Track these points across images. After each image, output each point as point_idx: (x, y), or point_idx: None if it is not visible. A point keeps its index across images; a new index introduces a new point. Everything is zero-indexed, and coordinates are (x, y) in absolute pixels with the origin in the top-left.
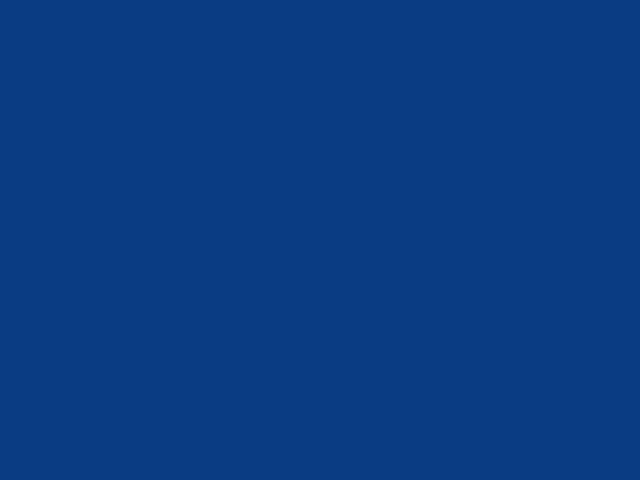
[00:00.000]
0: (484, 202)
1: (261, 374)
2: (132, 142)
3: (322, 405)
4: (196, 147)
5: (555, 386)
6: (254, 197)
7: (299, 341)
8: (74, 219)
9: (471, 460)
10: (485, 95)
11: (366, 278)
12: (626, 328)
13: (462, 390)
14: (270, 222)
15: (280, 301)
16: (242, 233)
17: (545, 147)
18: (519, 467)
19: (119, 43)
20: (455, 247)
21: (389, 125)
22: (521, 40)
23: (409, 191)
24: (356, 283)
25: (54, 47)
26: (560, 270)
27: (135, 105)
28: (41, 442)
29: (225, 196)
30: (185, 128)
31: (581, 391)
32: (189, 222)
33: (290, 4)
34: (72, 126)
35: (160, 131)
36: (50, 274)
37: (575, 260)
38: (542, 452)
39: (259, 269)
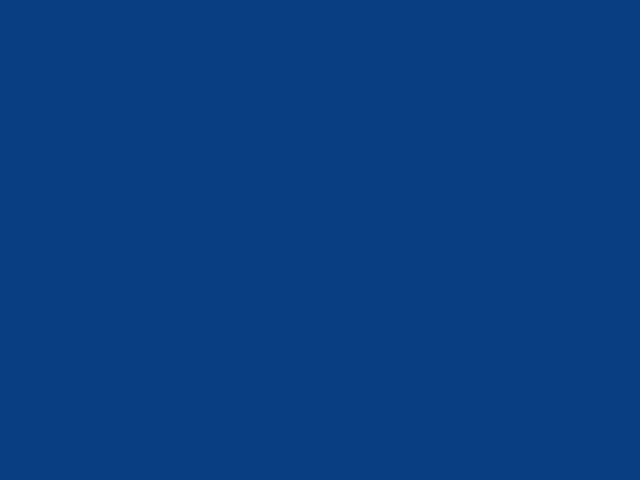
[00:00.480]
0: (484, 202)
1: (261, 374)
2: (132, 142)
3: (322, 405)
4: (196, 147)
5: (555, 386)
6: (254, 197)
7: (299, 341)
8: (74, 219)
9: (471, 460)
10: (485, 95)
11: (366, 278)
12: (626, 328)
13: (462, 390)
14: (270, 222)
15: (280, 301)
16: (242, 233)
17: (545, 147)
18: (519, 467)
19: (119, 43)
20: (455, 247)
21: (389, 125)
22: (521, 40)
23: (409, 191)
24: (356, 283)
25: (54, 47)
26: (560, 270)
27: (135, 105)
28: (41, 442)
29: (225, 196)
30: (185, 128)
31: (581, 391)
32: (189, 222)
33: (290, 4)
34: (72, 126)
35: (160, 131)
36: (50, 274)
37: (575, 260)
38: (542, 452)
39: (259, 269)
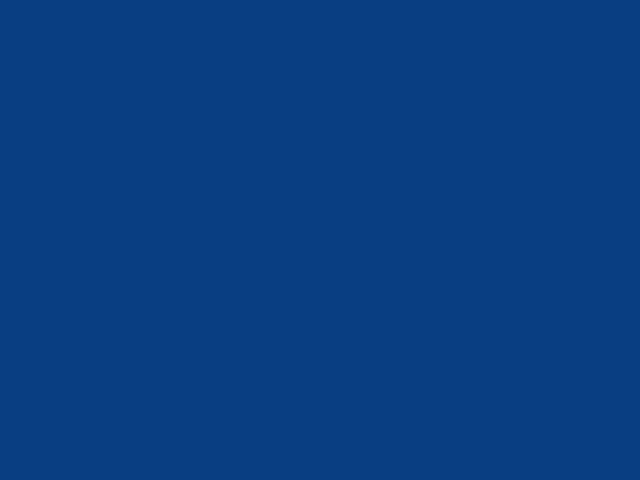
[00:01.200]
0: (484, 202)
1: (261, 374)
2: (132, 142)
3: (322, 405)
4: (196, 147)
5: (555, 386)
6: (254, 197)
7: (299, 341)
8: (74, 219)
9: (471, 460)
10: (485, 95)
11: (366, 278)
12: (626, 328)
13: (462, 390)
14: (270, 222)
15: (280, 301)
16: (242, 233)
17: (545, 147)
18: (519, 467)
19: (119, 43)
20: (455, 247)
21: (389, 125)
22: (521, 40)
23: (409, 191)
24: (356, 283)
25: (54, 47)
26: (560, 270)
27: (135, 105)
28: (41, 442)
29: (225, 196)
30: (185, 128)
31: (581, 391)
32: (189, 222)
33: (290, 4)
34: (72, 126)
35: (160, 131)
36: (50, 274)
37: (575, 260)
38: (542, 452)
39: (259, 269)
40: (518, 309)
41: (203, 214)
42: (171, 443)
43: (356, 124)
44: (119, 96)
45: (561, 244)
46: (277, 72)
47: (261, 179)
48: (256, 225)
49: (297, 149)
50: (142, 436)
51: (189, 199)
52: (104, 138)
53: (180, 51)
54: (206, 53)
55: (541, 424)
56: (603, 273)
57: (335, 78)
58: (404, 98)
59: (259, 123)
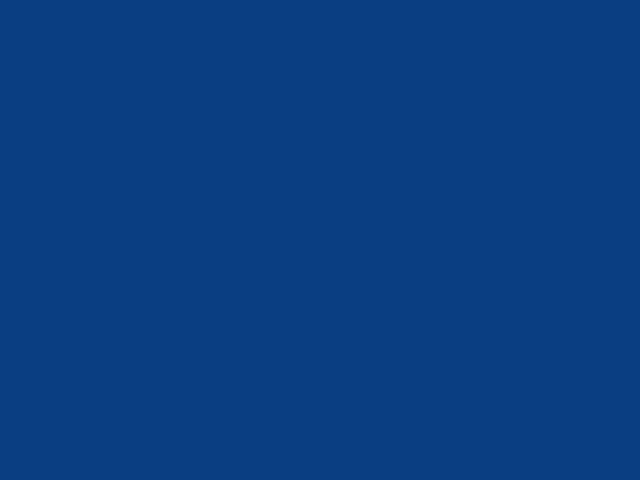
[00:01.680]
0: (484, 202)
1: (261, 374)
2: (132, 142)
3: (322, 405)
4: (196, 147)
5: (555, 386)
6: (254, 197)
7: (299, 341)
8: (74, 219)
9: (471, 460)
10: (485, 95)
11: (366, 278)
12: (626, 328)
13: (462, 390)
14: (270, 222)
15: (280, 301)
16: (242, 233)
17: (545, 147)
18: (519, 467)
19: (119, 43)
20: (455, 247)
21: (389, 125)
22: (521, 40)
23: (409, 191)
24: (356, 283)
25: (54, 47)
26: (560, 270)
27: (135, 105)
28: (41, 442)
29: (225, 196)
30: (185, 128)
31: (581, 391)
32: (189, 222)
33: (290, 4)
34: (72, 126)
35: (160, 131)
36: (50, 274)
37: (575, 260)
38: (542, 452)
39: (259, 269)
40: (518, 309)
41: (203, 214)
42: (171, 443)
43: (356, 124)
44: (119, 96)
45: (561, 244)
46: (277, 72)
47: (261, 179)
48: (256, 225)
49: (297, 149)
50: (142, 436)
51: (189, 199)
52: (104, 138)
53: (180, 51)
54: (206, 53)
55: (541, 424)
56: (603, 273)
57: (335, 78)
58: (404, 98)
59: (259, 123)
